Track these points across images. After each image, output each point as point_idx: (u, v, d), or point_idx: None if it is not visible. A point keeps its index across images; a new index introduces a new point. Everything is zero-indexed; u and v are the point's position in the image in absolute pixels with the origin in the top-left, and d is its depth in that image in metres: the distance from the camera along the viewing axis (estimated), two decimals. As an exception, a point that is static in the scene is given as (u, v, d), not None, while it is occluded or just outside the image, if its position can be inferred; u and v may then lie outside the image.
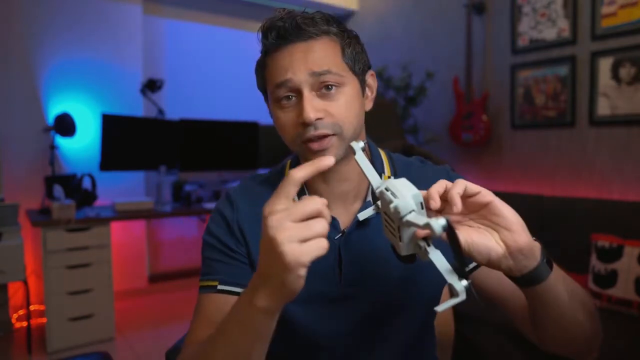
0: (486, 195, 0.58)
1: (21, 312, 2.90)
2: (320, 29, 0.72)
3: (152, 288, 3.67)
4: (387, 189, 0.57)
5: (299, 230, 0.50)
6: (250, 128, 3.63)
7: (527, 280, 0.60)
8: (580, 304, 0.66)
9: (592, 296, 2.09)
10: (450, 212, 0.56)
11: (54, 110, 3.10)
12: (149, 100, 3.40)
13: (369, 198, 0.80)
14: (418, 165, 0.88)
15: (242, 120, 3.64)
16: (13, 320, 2.85)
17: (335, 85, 0.71)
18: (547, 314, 0.65)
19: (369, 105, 0.80)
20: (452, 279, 0.52)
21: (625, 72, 2.43)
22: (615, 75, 2.47)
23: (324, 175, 0.78)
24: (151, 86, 3.30)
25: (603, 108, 2.54)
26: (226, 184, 3.57)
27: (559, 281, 0.63)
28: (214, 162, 3.51)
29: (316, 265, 0.76)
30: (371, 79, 0.81)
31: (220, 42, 4.11)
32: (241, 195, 0.83)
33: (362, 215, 0.69)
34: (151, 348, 2.62)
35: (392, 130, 2.30)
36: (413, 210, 0.54)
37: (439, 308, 0.51)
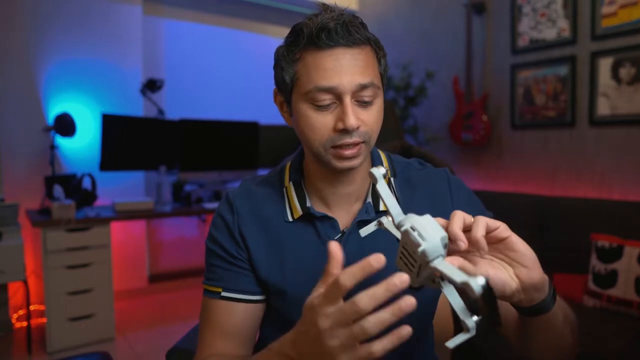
0: (504, 230, 0.58)
1: (21, 312, 2.90)
2: (366, 36, 0.71)
3: (152, 288, 3.67)
4: (412, 229, 0.53)
5: (350, 337, 0.49)
6: (250, 128, 3.63)
7: (534, 311, 0.62)
8: (570, 324, 0.68)
9: (593, 295, 2.09)
10: (472, 252, 0.57)
11: (54, 110, 3.10)
12: (149, 100, 3.40)
13: (369, 199, 0.81)
14: (417, 167, 0.88)
15: (242, 120, 3.63)
16: (13, 320, 2.85)
17: (371, 99, 0.71)
18: (541, 336, 0.67)
19: None
20: (464, 315, 0.52)
21: (625, 72, 2.43)
22: (615, 75, 2.47)
23: (330, 179, 0.79)
24: (151, 86, 3.30)
25: (603, 108, 2.54)
26: (226, 184, 3.57)
27: (559, 308, 0.64)
28: (214, 162, 3.51)
29: (315, 267, 0.76)
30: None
31: (220, 42, 4.10)
32: (240, 198, 0.84)
33: (364, 232, 0.67)
34: (151, 348, 2.62)
35: (391, 130, 2.30)
36: (441, 255, 0.52)
37: (450, 344, 0.51)
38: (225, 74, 4.09)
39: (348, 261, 0.77)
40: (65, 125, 2.96)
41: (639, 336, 1.78)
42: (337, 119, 0.70)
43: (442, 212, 0.77)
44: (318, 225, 0.79)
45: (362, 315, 0.48)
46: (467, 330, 0.50)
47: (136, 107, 3.45)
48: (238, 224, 0.81)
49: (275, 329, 0.83)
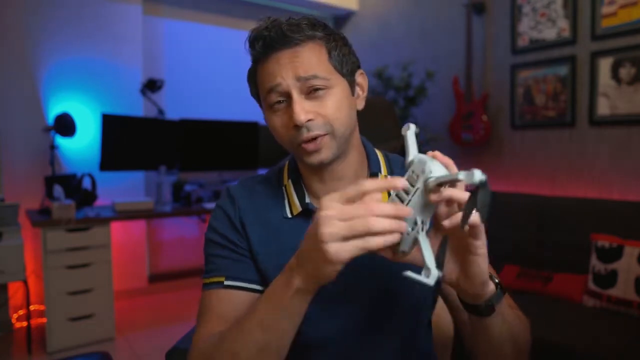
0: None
1: (21, 312, 2.90)
2: (305, 35, 0.73)
3: (152, 288, 3.67)
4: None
5: (343, 228, 0.53)
6: (250, 128, 3.63)
7: (472, 309, 0.67)
8: (515, 345, 0.72)
9: (593, 295, 2.09)
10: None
11: (54, 110, 3.10)
12: (149, 100, 3.40)
13: None
14: None
15: (242, 120, 3.64)
16: (13, 320, 2.86)
17: (323, 88, 0.73)
18: (481, 343, 0.73)
19: (360, 104, 0.81)
20: (431, 263, 0.56)
21: (625, 72, 2.43)
22: (615, 75, 2.47)
23: (319, 174, 0.80)
24: (151, 86, 3.30)
25: (603, 108, 2.54)
26: (226, 184, 3.57)
27: (502, 322, 0.69)
28: (214, 162, 3.51)
29: None
30: (361, 78, 0.82)
31: (220, 42, 4.10)
32: (241, 193, 0.85)
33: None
34: (151, 348, 2.62)
35: (391, 130, 2.30)
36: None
37: (408, 273, 0.55)
38: (226, 73, 4.08)
39: None
40: (65, 125, 2.96)
41: (639, 336, 1.78)
42: (290, 116, 0.73)
43: None
44: None
45: (367, 212, 0.52)
46: (428, 276, 0.55)
47: (136, 107, 3.45)
48: (239, 215, 0.81)
49: None
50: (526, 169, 2.93)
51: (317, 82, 0.72)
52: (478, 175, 0.52)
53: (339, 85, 0.75)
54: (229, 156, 3.57)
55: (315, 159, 0.74)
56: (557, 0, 2.71)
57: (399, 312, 0.80)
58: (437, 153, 0.59)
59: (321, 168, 0.78)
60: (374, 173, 0.83)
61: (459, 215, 0.58)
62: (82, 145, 3.22)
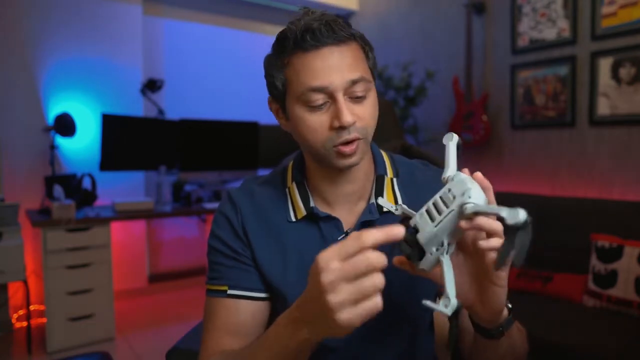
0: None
1: (21, 312, 2.90)
2: (350, 32, 0.71)
3: (152, 288, 3.67)
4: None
5: (352, 292, 0.49)
6: (250, 128, 3.63)
7: (486, 332, 0.67)
8: (512, 355, 0.73)
9: (593, 295, 2.09)
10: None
11: (54, 110, 3.10)
12: (149, 100, 3.40)
13: (373, 200, 0.80)
14: (421, 167, 0.88)
15: (242, 120, 3.64)
16: (13, 320, 2.86)
17: (364, 92, 0.71)
18: (484, 357, 0.74)
19: None
20: (451, 291, 0.54)
21: (625, 72, 2.43)
22: (615, 75, 2.47)
23: (333, 177, 0.78)
24: (151, 86, 3.30)
25: (603, 108, 2.54)
26: (226, 184, 3.57)
27: (507, 345, 0.70)
28: (214, 162, 3.51)
29: None
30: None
31: (220, 42, 4.10)
32: (243, 197, 0.83)
33: (383, 202, 0.73)
34: (151, 348, 2.62)
35: (391, 131, 2.30)
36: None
37: (427, 303, 0.53)
38: (225, 73, 4.09)
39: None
40: (65, 125, 2.96)
41: (639, 336, 1.78)
42: (332, 117, 0.70)
43: None
44: (322, 225, 0.79)
45: (370, 268, 0.49)
46: (446, 307, 0.53)
47: (136, 107, 3.45)
48: (242, 222, 0.80)
49: None
50: (526, 169, 2.93)
51: (362, 86, 0.71)
52: (523, 215, 0.49)
53: (374, 89, 0.75)
54: (229, 156, 3.57)
55: (348, 161, 0.72)
56: (557, 0, 2.71)
57: (401, 319, 0.80)
58: (479, 175, 0.58)
59: (341, 171, 0.77)
60: (380, 175, 0.82)
61: (494, 241, 0.57)
62: (82, 145, 3.22)
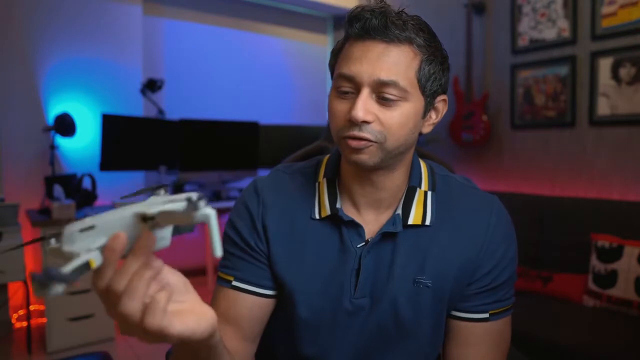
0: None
1: (21, 312, 2.90)
2: (407, 35, 0.68)
3: (152, 288, 3.66)
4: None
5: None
6: (250, 128, 3.63)
7: None
8: None
9: (593, 295, 2.09)
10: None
11: (54, 110, 3.10)
12: (149, 100, 3.40)
13: (399, 211, 0.77)
14: (462, 183, 0.83)
15: (242, 120, 3.63)
16: (13, 320, 2.85)
17: (395, 98, 0.68)
18: None
19: (427, 129, 0.76)
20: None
21: (625, 72, 2.43)
22: (615, 75, 2.47)
23: (359, 179, 0.76)
24: (151, 86, 3.30)
25: (603, 108, 2.54)
26: (226, 184, 3.57)
27: None
28: (214, 162, 3.51)
29: (331, 272, 0.76)
30: (442, 104, 0.76)
31: (220, 42, 4.10)
32: (269, 188, 0.81)
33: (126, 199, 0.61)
34: (151, 348, 2.62)
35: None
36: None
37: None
38: (226, 74, 4.08)
39: (367, 271, 0.75)
40: (65, 125, 2.95)
41: (639, 336, 1.78)
42: (351, 108, 0.69)
43: (471, 246, 0.77)
44: (344, 229, 0.77)
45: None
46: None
47: (136, 107, 3.45)
48: (262, 216, 0.78)
49: (281, 328, 0.82)
50: (526, 169, 2.93)
51: (392, 91, 0.67)
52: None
53: (414, 102, 0.70)
54: (229, 156, 3.56)
55: (355, 157, 0.70)
56: (557, 0, 2.71)
57: (411, 338, 0.78)
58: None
59: (361, 173, 0.75)
60: (412, 187, 0.78)
61: None
62: (82, 145, 3.22)
